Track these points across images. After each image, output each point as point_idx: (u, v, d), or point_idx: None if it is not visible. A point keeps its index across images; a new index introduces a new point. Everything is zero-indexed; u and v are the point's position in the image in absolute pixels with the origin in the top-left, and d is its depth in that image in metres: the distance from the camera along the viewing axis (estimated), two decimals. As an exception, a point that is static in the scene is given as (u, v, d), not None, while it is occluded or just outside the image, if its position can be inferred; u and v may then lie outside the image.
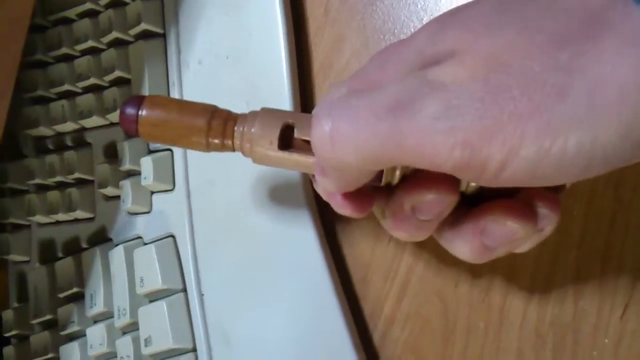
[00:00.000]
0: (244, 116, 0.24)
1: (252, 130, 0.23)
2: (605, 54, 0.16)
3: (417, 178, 0.21)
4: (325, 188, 0.23)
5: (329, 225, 0.33)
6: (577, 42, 0.16)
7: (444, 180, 0.21)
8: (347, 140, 0.18)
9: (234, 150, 0.24)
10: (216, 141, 0.24)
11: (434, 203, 0.21)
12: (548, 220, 0.21)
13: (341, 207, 0.23)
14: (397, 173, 0.22)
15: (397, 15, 0.32)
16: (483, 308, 0.30)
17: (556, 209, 0.21)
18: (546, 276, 0.28)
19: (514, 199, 0.21)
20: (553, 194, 0.21)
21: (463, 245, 0.21)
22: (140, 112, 0.24)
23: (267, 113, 0.23)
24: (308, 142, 0.22)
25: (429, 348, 0.31)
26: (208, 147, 0.25)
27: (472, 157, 0.17)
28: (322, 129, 0.19)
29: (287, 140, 0.23)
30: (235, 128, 0.24)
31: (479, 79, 0.17)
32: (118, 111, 0.36)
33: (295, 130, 0.23)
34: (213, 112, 0.24)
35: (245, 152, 0.24)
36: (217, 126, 0.24)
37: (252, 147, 0.23)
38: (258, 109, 0.24)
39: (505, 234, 0.20)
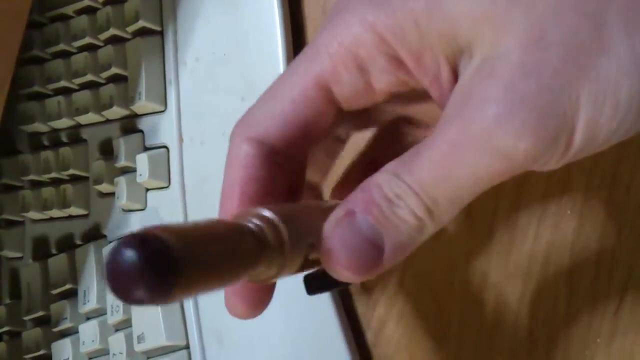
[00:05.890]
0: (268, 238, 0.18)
1: (283, 256, 0.18)
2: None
3: None
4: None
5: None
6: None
7: None
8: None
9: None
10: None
11: None
12: None
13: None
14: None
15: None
16: (477, 308, 0.30)
17: None
18: (539, 275, 0.29)
19: None
20: None
21: None
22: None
23: (292, 230, 0.18)
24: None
25: (422, 347, 0.31)
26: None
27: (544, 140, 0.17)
28: None
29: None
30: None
31: (518, 68, 0.17)
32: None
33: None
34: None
35: (267, 278, 0.19)
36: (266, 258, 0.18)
37: (280, 273, 0.19)
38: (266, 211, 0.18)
39: None
